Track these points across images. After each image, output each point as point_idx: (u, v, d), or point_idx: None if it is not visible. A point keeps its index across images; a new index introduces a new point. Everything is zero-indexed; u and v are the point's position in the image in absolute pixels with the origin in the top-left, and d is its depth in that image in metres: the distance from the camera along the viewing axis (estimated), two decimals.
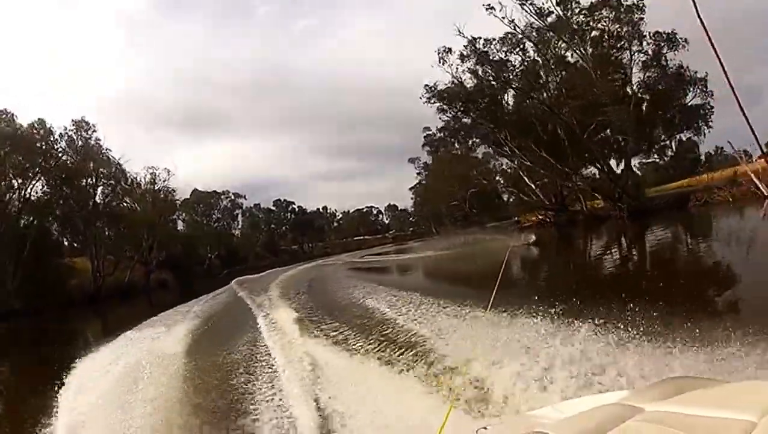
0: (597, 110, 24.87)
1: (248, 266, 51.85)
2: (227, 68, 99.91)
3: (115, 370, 9.83)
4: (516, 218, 38.39)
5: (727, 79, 2.29)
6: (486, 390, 5.85)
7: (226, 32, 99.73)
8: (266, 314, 12.77)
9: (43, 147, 29.59)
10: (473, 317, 8.88)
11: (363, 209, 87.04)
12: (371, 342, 9.22)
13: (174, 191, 42.22)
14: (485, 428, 2.71)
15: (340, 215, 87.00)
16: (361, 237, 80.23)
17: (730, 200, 22.75)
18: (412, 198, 64.58)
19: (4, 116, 28.83)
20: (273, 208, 78.98)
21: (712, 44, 2.33)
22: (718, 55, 2.30)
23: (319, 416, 6.18)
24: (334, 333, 10.13)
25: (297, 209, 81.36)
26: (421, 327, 9.23)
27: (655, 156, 31.85)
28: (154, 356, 9.98)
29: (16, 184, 28.99)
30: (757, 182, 10.16)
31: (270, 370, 8.72)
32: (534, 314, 7.59)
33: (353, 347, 9.23)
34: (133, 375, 8.85)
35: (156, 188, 39.55)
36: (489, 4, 26.40)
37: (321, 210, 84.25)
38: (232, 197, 65.15)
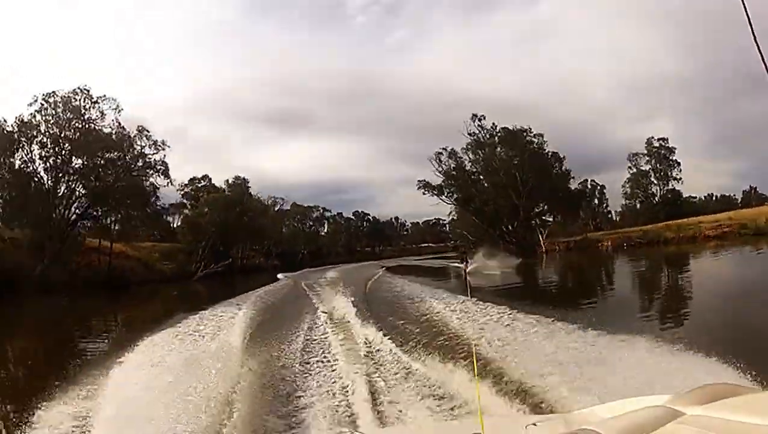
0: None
1: (330, 261, 73.95)
2: (320, 73, 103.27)
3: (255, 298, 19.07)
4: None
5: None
6: (529, 387, 6.51)
7: (321, 39, 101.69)
8: (330, 277, 30.97)
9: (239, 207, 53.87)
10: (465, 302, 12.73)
11: (431, 220, 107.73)
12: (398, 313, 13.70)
13: (286, 211, 67.65)
14: (534, 424, 3.03)
15: (409, 225, 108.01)
16: (426, 244, 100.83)
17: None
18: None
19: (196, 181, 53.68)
20: (352, 217, 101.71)
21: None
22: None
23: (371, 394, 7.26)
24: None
25: (372, 219, 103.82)
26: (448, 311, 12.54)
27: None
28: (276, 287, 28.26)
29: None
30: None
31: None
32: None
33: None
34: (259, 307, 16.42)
35: (276, 209, 64.87)
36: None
37: (393, 220, 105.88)
38: (321, 211, 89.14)
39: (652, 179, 55.92)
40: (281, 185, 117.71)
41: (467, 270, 29.94)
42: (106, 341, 16.65)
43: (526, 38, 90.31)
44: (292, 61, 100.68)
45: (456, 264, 35.26)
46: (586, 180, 58.06)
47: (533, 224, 47.02)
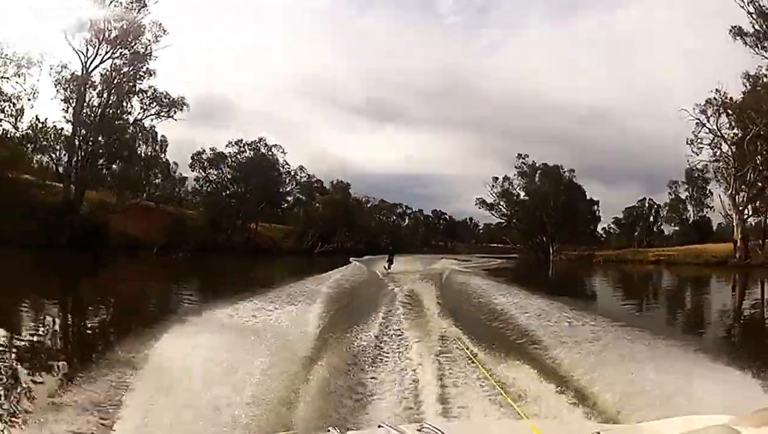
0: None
1: (408, 250, 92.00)
2: (411, 67, 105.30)
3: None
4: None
5: None
6: (590, 394, 6.81)
7: (411, 32, 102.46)
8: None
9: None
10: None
11: (503, 224, 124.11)
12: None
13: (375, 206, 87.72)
14: (598, 433, 3.09)
15: (482, 226, 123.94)
16: (495, 245, 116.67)
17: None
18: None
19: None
20: (431, 214, 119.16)
21: None
22: None
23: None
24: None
25: (448, 218, 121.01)
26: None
27: None
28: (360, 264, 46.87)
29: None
30: None
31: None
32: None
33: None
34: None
35: (368, 205, 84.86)
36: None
37: (467, 220, 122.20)
38: (404, 208, 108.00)
39: (688, 206, 67.87)
40: (366, 172, 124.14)
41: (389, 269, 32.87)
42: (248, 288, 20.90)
43: (610, 45, 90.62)
44: (384, 53, 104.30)
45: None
46: (644, 199, 73.29)
47: (552, 239, 63.43)
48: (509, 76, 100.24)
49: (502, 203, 67.94)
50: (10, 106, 36.52)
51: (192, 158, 48.92)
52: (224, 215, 50.26)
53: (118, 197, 40.46)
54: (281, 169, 53.45)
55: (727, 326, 18.01)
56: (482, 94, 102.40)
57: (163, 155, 43.77)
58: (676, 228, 73.14)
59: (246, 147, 50.62)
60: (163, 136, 41.24)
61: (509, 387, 7.35)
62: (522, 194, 67.32)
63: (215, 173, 50.73)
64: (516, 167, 65.86)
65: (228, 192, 51.28)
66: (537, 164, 65.99)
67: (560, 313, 13.79)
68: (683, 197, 65.47)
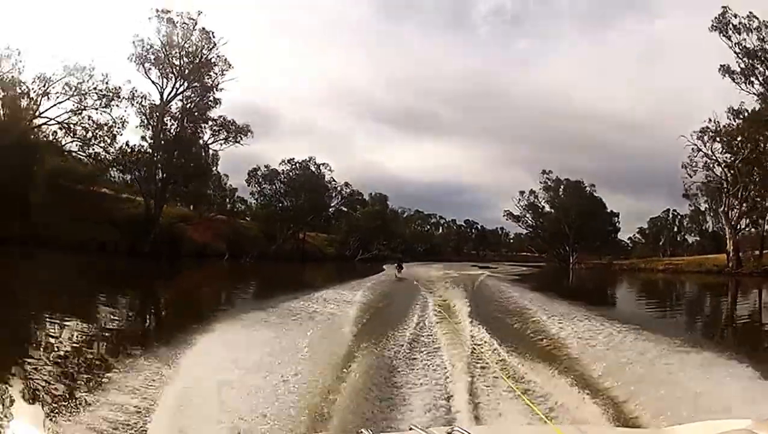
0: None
1: (440, 258, 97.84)
2: (444, 77, 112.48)
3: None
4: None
5: None
6: (615, 396, 6.98)
7: (445, 43, 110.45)
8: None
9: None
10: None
11: (530, 234, 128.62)
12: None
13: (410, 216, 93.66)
14: None
15: (513, 235, 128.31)
16: (524, 253, 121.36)
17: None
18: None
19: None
20: (463, 224, 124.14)
21: None
22: None
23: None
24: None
25: (479, 227, 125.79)
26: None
27: None
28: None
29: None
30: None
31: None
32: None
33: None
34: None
35: (404, 215, 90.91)
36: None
37: (498, 229, 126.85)
38: (437, 218, 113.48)
39: (707, 217, 72.19)
40: (402, 180, 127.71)
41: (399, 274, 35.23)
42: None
43: (642, 55, 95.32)
44: (419, 64, 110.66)
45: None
46: (668, 210, 77.93)
47: (574, 247, 68.21)
48: (541, 85, 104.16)
49: (528, 215, 73.26)
50: (101, 133, 43.50)
51: (248, 174, 55.82)
52: (277, 225, 56.87)
53: (195, 210, 47.26)
54: (328, 185, 59.80)
55: (681, 313, 23.54)
56: (514, 103, 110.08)
57: (214, 167, 49.84)
58: (697, 238, 77.45)
59: (297, 165, 57.19)
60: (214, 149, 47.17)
61: (536, 391, 7.52)
62: (546, 207, 72.40)
63: (269, 187, 57.43)
64: (540, 182, 71.11)
65: (281, 205, 57.92)
66: (561, 179, 71.10)
67: (572, 313, 15.01)
68: (702, 208, 68.93)
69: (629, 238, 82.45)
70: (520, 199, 72.37)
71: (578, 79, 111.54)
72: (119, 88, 39.80)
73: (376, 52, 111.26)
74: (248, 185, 56.09)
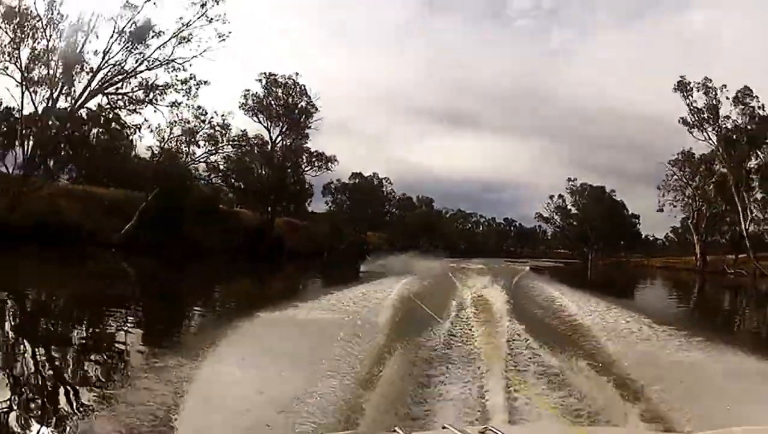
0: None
1: (480, 255, 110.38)
2: (480, 71, 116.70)
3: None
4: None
5: None
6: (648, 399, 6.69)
7: (481, 38, 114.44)
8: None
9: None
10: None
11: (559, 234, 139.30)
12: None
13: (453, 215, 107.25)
14: None
15: (550, 234, 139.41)
16: (560, 251, 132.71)
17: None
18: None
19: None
20: (502, 222, 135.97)
21: None
22: None
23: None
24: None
25: (518, 225, 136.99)
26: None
27: None
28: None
29: None
30: None
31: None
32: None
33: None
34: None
35: (447, 215, 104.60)
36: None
37: (536, 227, 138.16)
38: (478, 216, 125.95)
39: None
40: (441, 178, 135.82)
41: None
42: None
43: (680, 48, 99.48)
44: (457, 62, 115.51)
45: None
46: None
47: (595, 246, 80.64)
48: (578, 81, 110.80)
49: (556, 217, 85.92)
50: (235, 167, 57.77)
51: (324, 187, 70.21)
52: (346, 227, 71.47)
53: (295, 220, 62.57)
54: (386, 194, 74.18)
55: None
56: (551, 99, 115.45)
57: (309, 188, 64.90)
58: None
59: (363, 179, 71.76)
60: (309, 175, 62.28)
61: (563, 390, 7.26)
62: (573, 209, 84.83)
63: (340, 197, 72.04)
64: (567, 188, 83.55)
65: (349, 211, 72.48)
66: (585, 185, 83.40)
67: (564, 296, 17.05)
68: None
69: (665, 236, 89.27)
70: (549, 202, 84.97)
71: (616, 73, 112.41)
72: (244, 130, 54.58)
73: (414, 52, 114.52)
74: (323, 196, 70.58)
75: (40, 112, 39.41)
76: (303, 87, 55.68)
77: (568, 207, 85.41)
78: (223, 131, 49.77)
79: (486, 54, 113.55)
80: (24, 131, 39.23)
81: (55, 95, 39.55)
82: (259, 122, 55.28)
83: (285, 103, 55.25)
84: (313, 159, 58.24)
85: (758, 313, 26.11)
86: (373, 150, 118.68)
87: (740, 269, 50.62)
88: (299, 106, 55.27)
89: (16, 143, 39.67)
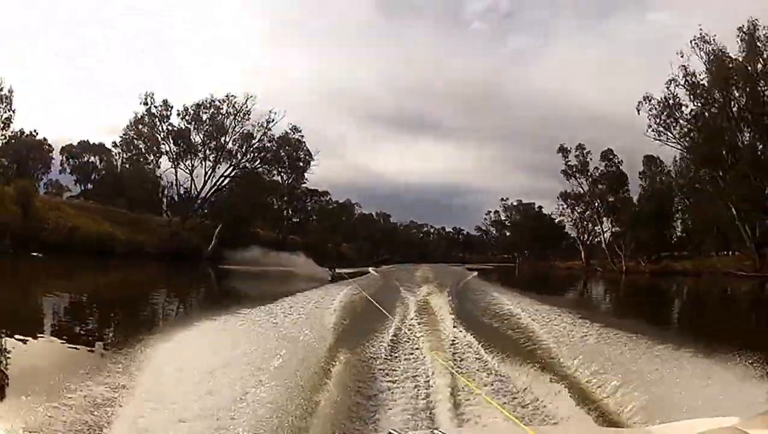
0: None
1: (430, 261, 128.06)
2: (437, 76, 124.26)
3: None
4: None
5: None
6: (599, 397, 7.19)
7: (439, 42, 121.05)
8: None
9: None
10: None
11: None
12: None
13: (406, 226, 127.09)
14: None
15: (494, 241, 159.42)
16: (503, 255, 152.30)
17: None
18: None
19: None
20: (451, 230, 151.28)
21: None
22: None
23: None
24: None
25: (466, 234, 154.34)
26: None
27: None
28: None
29: None
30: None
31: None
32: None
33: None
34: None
35: (401, 227, 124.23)
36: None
37: (483, 235, 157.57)
38: (429, 227, 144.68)
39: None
40: (397, 183, 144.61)
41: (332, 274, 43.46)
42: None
43: (640, 51, 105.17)
44: (415, 64, 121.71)
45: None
46: None
47: (524, 252, 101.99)
48: (537, 83, 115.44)
49: (492, 229, 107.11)
50: None
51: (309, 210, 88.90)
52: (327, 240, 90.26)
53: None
54: (356, 214, 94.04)
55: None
56: (510, 103, 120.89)
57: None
58: None
59: (340, 206, 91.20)
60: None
61: (514, 391, 7.67)
62: (507, 222, 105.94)
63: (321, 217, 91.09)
64: (500, 206, 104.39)
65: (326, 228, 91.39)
66: (515, 203, 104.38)
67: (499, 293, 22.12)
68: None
69: None
70: (485, 218, 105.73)
71: (576, 77, 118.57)
72: None
73: (371, 54, 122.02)
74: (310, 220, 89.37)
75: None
76: (305, 143, 74.11)
77: (503, 220, 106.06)
78: None
79: (444, 57, 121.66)
80: None
81: None
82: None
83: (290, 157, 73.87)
84: (311, 195, 78.38)
85: (584, 287, 46.35)
86: (329, 155, 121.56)
87: (600, 267, 72.55)
88: (300, 157, 74.18)
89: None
